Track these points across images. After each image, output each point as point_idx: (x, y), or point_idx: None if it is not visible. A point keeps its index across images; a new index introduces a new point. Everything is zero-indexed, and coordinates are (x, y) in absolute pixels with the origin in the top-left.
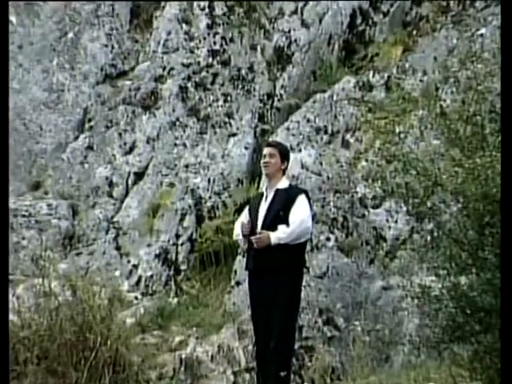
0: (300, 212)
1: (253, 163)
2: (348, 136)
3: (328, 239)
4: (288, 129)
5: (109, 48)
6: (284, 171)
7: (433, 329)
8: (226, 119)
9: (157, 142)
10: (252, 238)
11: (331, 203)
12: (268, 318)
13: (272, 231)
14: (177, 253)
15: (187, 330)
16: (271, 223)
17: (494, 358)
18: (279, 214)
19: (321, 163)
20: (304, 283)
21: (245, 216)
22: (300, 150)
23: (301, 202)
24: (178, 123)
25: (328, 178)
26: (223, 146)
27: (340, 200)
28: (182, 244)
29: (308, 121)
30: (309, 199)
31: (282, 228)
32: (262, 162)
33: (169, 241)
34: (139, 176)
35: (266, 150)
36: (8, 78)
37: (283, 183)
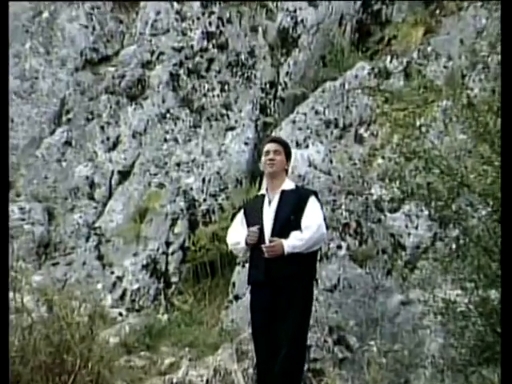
0: (315, 215)
1: (253, 161)
2: (362, 130)
3: (339, 247)
4: (294, 122)
5: (89, 29)
6: (287, 172)
7: (459, 349)
8: (223, 111)
9: (144, 136)
10: (263, 246)
11: (343, 206)
12: (273, 337)
13: (283, 238)
14: (167, 263)
15: (179, 350)
16: (282, 229)
17: None
18: (290, 218)
19: (331, 161)
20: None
21: (240, 222)
22: (307, 146)
23: (313, 204)
24: (168, 115)
25: (339, 177)
26: (220, 141)
27: (353, 203)
28: (172, 253)
29: (316, 113)
30: (319, 201)
31: (295, 235)
32: (264, 159)
33: (158, 249)
34: (124, 175)
35: (269, 146)
36: (8, 77)
37: (288, 184)
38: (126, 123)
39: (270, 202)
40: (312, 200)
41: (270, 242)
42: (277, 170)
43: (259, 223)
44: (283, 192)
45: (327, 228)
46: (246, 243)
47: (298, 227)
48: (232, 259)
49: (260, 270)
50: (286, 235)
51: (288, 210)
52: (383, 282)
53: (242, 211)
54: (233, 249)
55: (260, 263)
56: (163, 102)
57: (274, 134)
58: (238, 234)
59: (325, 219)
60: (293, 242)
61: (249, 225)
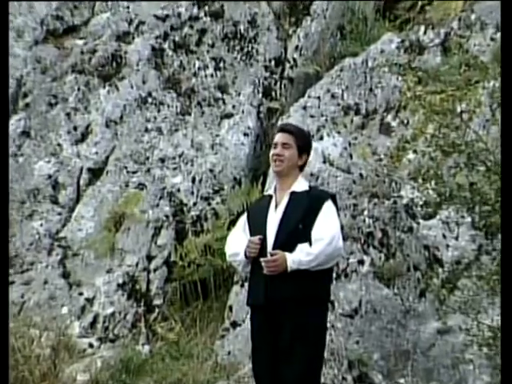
0: (328, 225)
1: (255, 155)
2: (389, 117)
3: (361, 262)
4: (304, 108)
5: None
6: (302, 168)
7: None
8: (218, 94)
9: (120, 125)
10: (262, 260)
11: (365, 212)
12: (279, 375)
13: (288, 251)
14: (148, 281)
15: None
16: (288, 241)
17: None
18: (298, 227)
19: (351, 156)
20: (328, 324)
21: (242, 228)
22: (321, 138)
23: (328, 210)
24: (150, 99)
25: (361, 176)
26: (214, 131)
27: (378, 207)
28: (155, 269)
29: (333, 96)
30: (337, 207)
31: (302, 248)
32: (270, 154)
33: (137, 265)
34: (96, 174)
35: (277, 138)
36: (8, 77)
37: (301, 184)
38: (97, 109)
39: (276, 206)
40: (327, 205)
41: (271, 255)
42: (284, 167)
43: (262, 231)
44: (293, 194)
45: (346, 239)
46: (246, 255)
47: (307, 238)
48: (228, 277)
49: (260, 291)
50: (292, 248)
51: (296, 216)
52: (415, 306)
53: (246, 215)
54: (231, 261)
55: (260, 282)
56: (144, 83)
57: (285, 122)
58: (238, 243)
59: (342, 228)
60: (298, 256)
61: (252, 232)
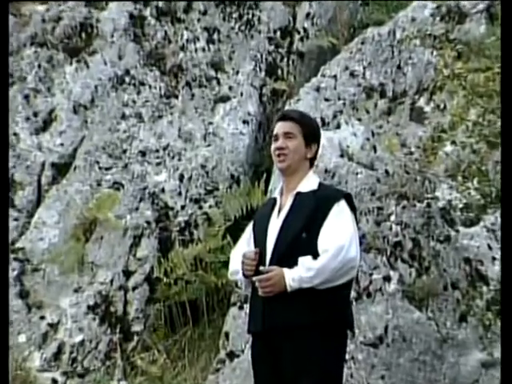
0: (337, 232)
1: (257, 148)
2: (421, 101)
3: (387, 279)
4: (317, 89)
5: None
6: (312, 162)
7: None
8: (212, 72)
9: (91, 111)
10: (254, 279)
11: (392, 217)
12: None
13: (288, 267)
14: (125, 303)
15: None
16: (287, 253)
17: None
18: (300, 236)
19: (374, 148)
20: (346, 355)
21: (247, 239)
22: (338, 127)
23: (338, 214)
24: (127, 79)
25: (387, 173)
26: (206, 118)
27: (408, 211)
28: (134, 288)
29: (352, 75)
30: (353, 209)
31: (304, 261)
32: (272, 148)
33: (112, 282)
34: (60, 170)
35: (278, 127)
36: (8, 77)
37: (309, 183)
38: (63, 91)
39: (280, 211)
40: (338, 208)
41: (265, 272)
42: (291, 163)
43: (263, 243)
44: (298, 195)
45: (368, 250)
46: (243, 273)
47: (312, 249)
48: (224, 297)
49: (257, 316)
50: (294, 262)
51: (299, 222)
52: (454, 333)
53: (252, 223)
54: (234, 279)
55: (258, 305)
56: (120, 58)
57: (287, 108)
58: (238, 258)
59: (363, 237)
60: (299, 272)
61: (255, 245)
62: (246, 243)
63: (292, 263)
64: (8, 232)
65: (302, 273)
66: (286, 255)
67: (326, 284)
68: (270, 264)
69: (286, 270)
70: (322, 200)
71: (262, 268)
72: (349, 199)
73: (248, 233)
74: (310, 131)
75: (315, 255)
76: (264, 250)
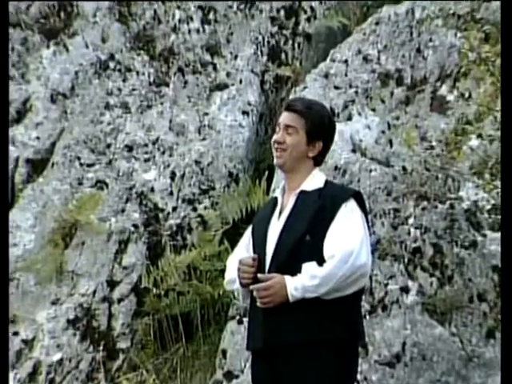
0: (346, 235)
1: (258, 142)
2: (443, 89)
3: (404, 290)
4: (326, 76)
5: None
6: (317, 160)
7: None
8: (207, 57)
9: (71, 100)
10: (252, 288)
11: (411, 220)
12: None
13: (290, 274)
14: (110, 317)
15: None
16: (289, 259)
17: None
18: (304, 239)
19: (390, 142)
20: (358, 376)
21: (245, 245)
22: (350, 118)
23: (347, 215)
24: (111, 64)
25: (404, 170)
26: (201, 108)
27: (429, 214)
28: (120, 300)
29: (365, 60)
30: (364, 210)
31: (308, 268)
32: (272, 140)
33: (94, 293)
34: (37, 167)
35: (282, 117)
36: (8, 78)
37: (314, 181)
38: (39, 78)
39: (281, 212)
40: (346, 208)
41: (264, 280)
42: (287, 160)
43: (262, 248)
44: (302, 195)
45: (384, 257)
46: (240, 282)
47: (318, 255)
48: (222, 310)
49: (257, 331)
50: (296, 269)
51: (302, 224)
52: (480, 351)
53: (251, 227)
54: (230, 289)
55: (257, 318)
56: (103, 41)
57: (292, 97)
58: (235, 265)
59: (377, 242)
60: (301, 280)
61: (254, 251)
62: (244, 249)
63: (294, 270)
64: (8, 232)
65: (305, 281)
66: (288, 261)
67: (333, 294)
68: (270, 271)
69: (287, 278)
70: (328, 200)
71: (260, 276)
72: (359, 199)
73: (247, 237)
74: (315, 126)
75: (320, 261)
76: (264, 255)
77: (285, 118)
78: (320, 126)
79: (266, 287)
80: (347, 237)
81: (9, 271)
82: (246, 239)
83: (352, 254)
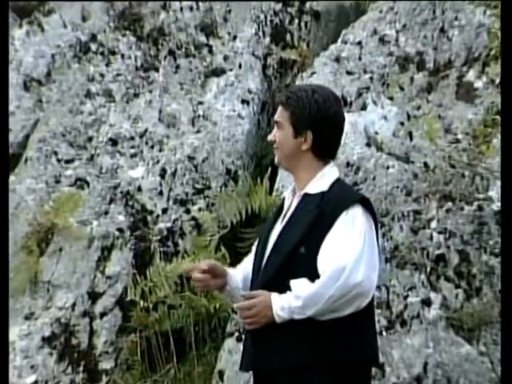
0: (339, 249)
1: (260, 135)
2: (470, 75)
3: (426, 303)
4: (337, 59)
5: None
6: (318, 153)
7: None
8: (202, 38)
9: (47, 87)
10: (235, 306)
11: (433, 223)
12: None
13: (278, 291)
14: (91, 334)
15: None
16: (280, 273)
17: None
18: (297, 251)
19: (410, 135)
20: None
21: (253, 252)
22: (364, 108)
23: (346, 224)
24: (93, 47)
25: (426, 167)
26: (195, 96)
27: (454, 216)
28: (102, 314)
29: (382, 41)
30: (373, 215)
31: (295, 286)
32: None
33: (74, 307)
34: (7, 164)
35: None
36: (8, 76)
37: (320, 182)
38: (10, 62)
39: (284, 216)
40: (346, 217)
41: (248, 298)
42: (282, 159)
43: (261, 256)
44: (305, 197)
45: (402, 265)
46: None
47: (311, 269)
48: (218, 326)
49: (247, 353)
50: (285, 285)
51: (297, 234)
52: None
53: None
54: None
55: (247, 338)
56: (83, 20)
57: (297, 83)
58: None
59: (396, 248)
60: (288, 300)
61: (256, 258)
62: (252, 257)
63: (284, 286)
64: (7, 234)
65: (291, 301)
66: (277, 275)
67: (328, 315)
68: (255, 287)
69: (273, 296)
70: (328, 205)
71: (243, 293)
72: (366, 204)
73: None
74: (300, 115)
75: (314, 277)
76: (259, 264)
77: (277, 112)
78: (303, 114)
79: (248, 306)
80: (340, 250)
81: (8, 270)
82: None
83: (344, 271)
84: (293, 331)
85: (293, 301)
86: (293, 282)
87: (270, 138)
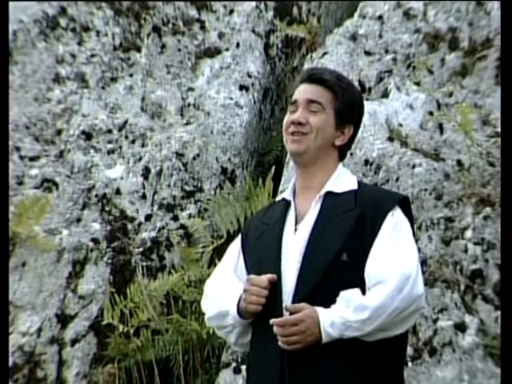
0: (398, 256)
1: (261, 128)
2: None
3: (460, 328)
4: (353, 37)
5: None
6: (342, 152)
7: None
8: (193, 12)
9: (10, 71)
10: (273, 322)
11: (468, 233)
12: None
13: (322, 305)
14: (60, 364)
15: None
16: (320, 285)
17: None
18: (339, 259)
19: (441, 128)
20: None
21: (232, 265)
22: (386, 94)
23: (395, 229)
24: (63, 22)
25: (460, 165)
26: (184, 81)
27: (493, 224)
28: (74, 341)
29: (407, 16)
30: (410, 219)
31: (350, 297)
32: (286, 118)
33: (40, 332)
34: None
35: (301, 91)
36: (8, 76)
37: (343, 180)
38: None
39: (297, 220)
40: (393, 220)
41: (290, 312)
42: (310, 147)
43: (273, 268)
44: (329, 197)
45: (431, 283)
46: (239, 312)
47: (358, 280)
48: (212, 355)
49: (270, 380)
50: (329, 299)
51: (337, 239)
52: None
53: (240, 239)
54: (215, 326)
55: (270, 363)
56: None
57: (310, 65)
58: (225, 293)
59: (423, 264)
60: (342, 313)
61: (252, 271)
62: (232, 270)
63: (327, 299)
64: (8, 234)
65: (347, 314)
66: (321, 287)
67: (376, 334)
68: (294, 301)
69: (320, 310)
70: (368, 206)
71: (288, 305)
72: (406, 205)
73: (234, 254)
74: (348, 105)
75: (362, 287)
76: (278, 278)
77: (306, 91)
78: (353, 104)
79: (294, 321)
80: (401, 258)
81: (8, 267)
82: (234, 256)
83: (408, 282)
84: (338, 355)
85: (351, 314)
86: (345, 293)
87: (297, 118)
